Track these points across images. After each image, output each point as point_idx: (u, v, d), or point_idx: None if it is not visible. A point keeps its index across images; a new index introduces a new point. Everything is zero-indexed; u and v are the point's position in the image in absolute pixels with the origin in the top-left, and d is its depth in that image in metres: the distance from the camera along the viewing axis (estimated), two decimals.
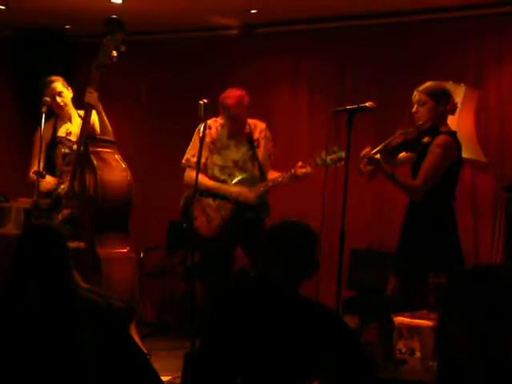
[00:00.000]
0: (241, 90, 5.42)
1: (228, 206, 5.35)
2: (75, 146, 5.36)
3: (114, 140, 5.44)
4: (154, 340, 6.36)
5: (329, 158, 4.95)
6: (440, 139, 4.31)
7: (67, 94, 5.55)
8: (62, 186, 5.40)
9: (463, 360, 1.82)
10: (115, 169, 5.38)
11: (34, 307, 2.96)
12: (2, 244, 5.96)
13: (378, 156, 4.27)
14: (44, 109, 5.33)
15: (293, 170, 5.16)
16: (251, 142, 5.41)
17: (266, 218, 5.35)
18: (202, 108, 4.85)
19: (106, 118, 5.40)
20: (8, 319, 2.97)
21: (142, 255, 6.89)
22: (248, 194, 5.31)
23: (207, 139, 5.36)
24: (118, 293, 4.98)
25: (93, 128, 5.45)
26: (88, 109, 5.31)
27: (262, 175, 5.39)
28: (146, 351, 3.39)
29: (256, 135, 5.43)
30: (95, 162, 5.27)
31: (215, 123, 5.45)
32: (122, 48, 5.28)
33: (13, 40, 7.50)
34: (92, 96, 5.30)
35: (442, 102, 4.37)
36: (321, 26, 7.01)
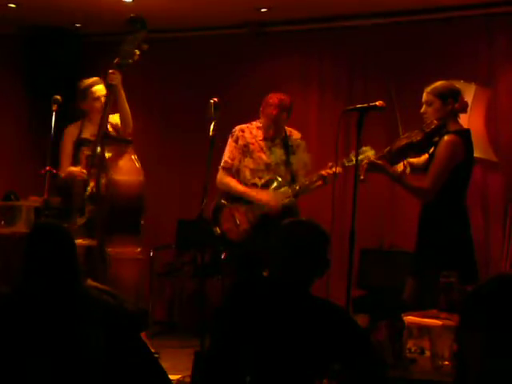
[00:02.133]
0: (284, 94, 5.43)
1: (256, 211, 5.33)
2: (99, 149, 5.23)
3: (130, 134, 5.37)
4: (163, 338, 6.37)
5: (360, 157, 4.90)
6: (446, 139, 4.29)
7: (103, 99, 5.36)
8: (88, 188, 5.36)
9: (476, 368, 1.82)
10: (127, 169, 5.37)
11: (42, 305, 2.97)
12: (12, 242, 5.98)
13: (380, 161, 4.25)
14: (54, 107, 5.29)
15: (320, 172, 5.16)
16: (287, 147, 5.38)
17: None
18: (213, 107, 4.85)
19: (127, 105, 5.28)
20: (17, 317, 2.97)
21: (151, 254, 6.89)
22: (274, 202, 5.25)
23: (241, 142, 5.39)
24: (121, 292, 5.06)
25: (115, 128, 5.41)
26: (111, 91, 5.17)
27: (293, 181, 5.32)
28: (154, 350, 3.38)
29: (291, 142, 5.41)
30: (108, 161, 5.27)
31: (250, 126, 5.43)
32: (144, 47, 5.21)
33: (23, 38, 7.51)
34: (115, 77, 5.15)
35: (450, 101, 4.35)
36: (331, 25, 7.01)
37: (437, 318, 3.39)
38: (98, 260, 5.18)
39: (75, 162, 5.35)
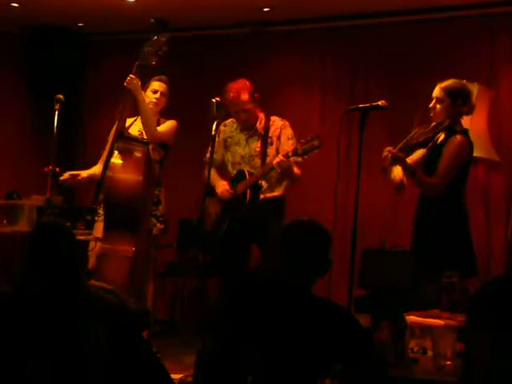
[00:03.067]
0: (243, 81, 5.40)
1: (217, 201, 5.39)
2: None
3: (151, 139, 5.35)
4: (165, 338, 6.37)
5: (302, 147, 4.97)
6: (456, 138, 4.35)
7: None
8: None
9: (482, 367, 1.83)
10: (131, 168, 5.36)
11: (44, 304, 2.97)
12: (15, 241, 5.98)
13: (401, 154, 4.27)
14: (57, 106, 5.27)
15: (272, 162, 5.15)
16: (264, 138, 5.35)
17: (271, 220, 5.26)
18: (215, 106, 4.86)
19: (147, 113, 5.28)
20: (19, 316, 2.98)
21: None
22: (225, 190, 5.32)
23: (221, 136, 5.46)
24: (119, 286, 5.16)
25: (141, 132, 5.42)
26: (127, 95, 5.19)
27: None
28: (155, 349, 3.38)
29: (271, 132, 5.37)
30: (112, 161, 5.29)
31: (232, 121, 5.46)
32: (165, 48, 5.19)
33: (26, 37, 7.52)
34: (132, 81, 5.15)
35: (459, 103, 4.40)
36: (333, 25, 7.01)
37: (439, 317, 3.40)
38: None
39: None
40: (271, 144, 5.35)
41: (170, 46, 7.38)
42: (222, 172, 5.54)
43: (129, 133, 5.39)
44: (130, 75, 5.16)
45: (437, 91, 4.44)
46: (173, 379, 3.40)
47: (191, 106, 7.21)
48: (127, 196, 5.29)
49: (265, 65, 7.24)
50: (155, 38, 5.19)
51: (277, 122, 5.40)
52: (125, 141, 5.31)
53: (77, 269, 3.08)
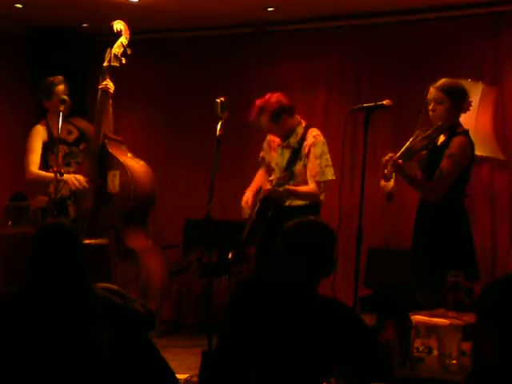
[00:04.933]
0: (266, 100, 5.25)
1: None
2: (74, 147, 5.50)
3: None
4: (171, 338, 6.38)
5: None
6: (458, 140, 4.29)
7: None
8: (67, 188, 5.45)
9: (490, 364, 1.84)
10: (139, 165, 5.56)
11: (49, 305, 2.98)
12: (20, 242, 5.99)
13: (401, 162, 4.19)
14: (61, 108, 5.33)
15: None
16: (295, 152, 5.23)
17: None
18: (219, 106, 4.85)
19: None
20: (26, 316, 2.98)
21: None
22: (243, 205, 5.32)
23: (267, 138, 5.42)
24: (156, 282, 5.42)
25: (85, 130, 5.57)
26: (106, 99, 5.41)
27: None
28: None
29: (303, 147, 5.22)
30: (121, 160, 5.44)
31: None
32: (129, 51, 5.50)
33: (30, 38, 7.53)
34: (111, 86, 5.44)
35: (459, 102, 4.35)
36: (337, 24, 7.00)
37: (444, 317, 3.39)
38: (113, 257, 5.41)
39: (48, 161, 5.47)
40: (300, 159, 5.22)
41: (175, 46, 7.42)
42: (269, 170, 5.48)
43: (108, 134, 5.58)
44: (106, 81, 5.44)
45: (433, 92, 4.34)
46: (178, 379, 3.40)
47: (198, 106, 7.21)
48: (149, 192, 5.59)
49: (269, 65, 7.24)
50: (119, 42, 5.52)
51: (309, 137, 5.23)
52: (115, 142, 5.56)
53: (81, 270, 3.09)
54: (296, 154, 5.23)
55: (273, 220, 5.17)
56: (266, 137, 5.45)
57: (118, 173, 5.40)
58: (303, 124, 5.29)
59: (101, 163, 5.46)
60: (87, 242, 5.26)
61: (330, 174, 5.20)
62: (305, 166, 5.20)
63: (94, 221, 5.42)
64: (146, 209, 5.60)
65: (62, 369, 2.93)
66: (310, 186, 5.16)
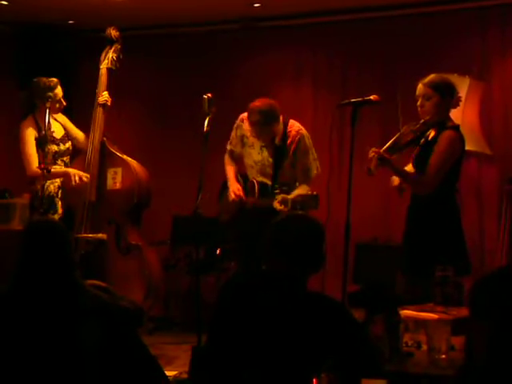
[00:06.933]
0: (266, 103, 5.12)
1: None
2: (62, 145, 5.51)
3: None
4: (160, 335, 6.36)
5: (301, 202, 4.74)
6: (447, 134, 4.28)
7: None
8: (54, 184, 5.45)
9: (482, 356, 1.84)
10: (137, 164, 5.67)
11: (37, 302, 2.97)
12: (8, 240, 5.97)
13: (387, 155, 4.21)
14: (48, 104, 5.31)
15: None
16: (278, 151, 5.16)
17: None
18: (207, 102, 4.84)
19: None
20: (13, 315, 2.97)
21: None
22: (237, 196, 5.20)
23: (239, 132, 5.33)
24: (155, 278, 5.53)
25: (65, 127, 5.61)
26: (105, 112, 5.64)
27: (289, 187, 5.05)
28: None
29: (287, 144, 5.15)
30: (125, 158, 5.59)
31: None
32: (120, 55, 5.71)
33: (16, 36, 7.49)
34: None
35: (448, 97, 4.35)
36: (324, 20, 7.00)
37: (433, 311, 3.40)
38: (112, 253, 5.48)
39: (38, 158, 5.42)
40: (286, 157, 5.16)
41: (163, 42, 7.40)
42: (239, 163, 5.43)
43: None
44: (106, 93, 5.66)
45: (421, 89, 4.33)
46: (167, 376, 3.40)
47: (184, 102, 7.20)
48: (148, 190, 5.72)
49: (257, 60, 7.24)
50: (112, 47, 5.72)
51: (293, 132, 5.16)
52: (110, 142, 5.68)
53: (70, 267, 3.08)
54: (281, 152, 5.16)
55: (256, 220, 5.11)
56: (233, 130, 5.38)
57: (119, 170, 5.52)
58: (281, 120, 5.18)
59: (100, 161, 5.57)
60: (86, 236, 5.33)
61: (316, 168, 5.20)
62: (292, 164, 5.16)
63: (93, 216, 5.48)
64: (144, 207, 5.71)
65: (50, 366, 2.92)
66: (305, 187, 5.09)
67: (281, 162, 5.18)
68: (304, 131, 5.21)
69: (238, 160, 5.41)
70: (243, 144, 5.34)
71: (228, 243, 5.80)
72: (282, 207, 4.77)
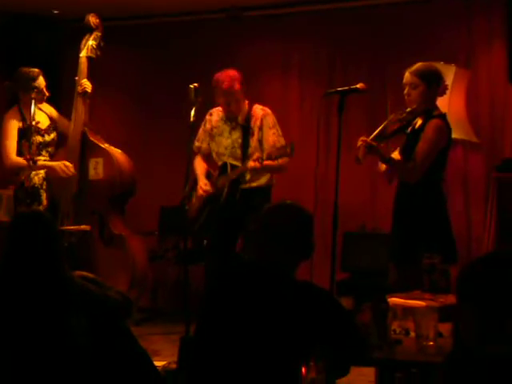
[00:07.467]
0: (233, 71, 5.36)
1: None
2: (47, 136, 5.48)
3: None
4: (148, 325, 6.36)
5: (275, 154, 4.89)
6: (434, 123, 4.30)
7: None
8: (39, 176, 5.43)
9: (471, 342, 1.85)
10: (119, 153, 5.67)
11: (25, 294, 2.96)
12: None
13: (375, 143, 4.22)
14: (33, 95, 5.29)
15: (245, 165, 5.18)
16: (246, 130, 5.33)
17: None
18: (193, 92, 4.84)
19: None
20: (0, 306, 2.96)
21: None
22: (206, 191, 5.33)
23: (208, 126, 5.48)
24: (140, 268, 5.57)
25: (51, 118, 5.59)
26: (86, 99, 5.58)
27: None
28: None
29: (252, 123, 5.34)
30: (106, 148, 5.58)
31: (219, 109, 5.45)
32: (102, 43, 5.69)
33: (0, 26, 7.43)
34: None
35: (434, 86, 4.36)
36: (309, 9, 6.99)
37: (421, 299, 3.41)
38: (97, 244, 5.51)
39: (21, 149, 5.41)
40: (252, 135, 5.33)
41: (148, 32, 7.37)
42: (208, 160, 5.55)
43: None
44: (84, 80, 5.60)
45: (408, 77, 4.34)
46: (156, 366, 3.40)
47: (171, 92, 7.18)
48: (132, 179, 5.73)
49: (243, 50, 7.22)
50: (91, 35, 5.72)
51: (257, 111, 5.37)
52: (92, 132, 5.69)
53: (58, 258, 3.07)
54: (247, 131, 5.33)
55: (234, 203, 5.25)
56: (201, 126, 5.49)
57: (101, 160, 5.50)
58: (246, 102, 5.40)
59: (81, 151, 5.54)
60: (69, 228, 5.31)
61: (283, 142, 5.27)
62: (259, 140, 5.31)
63: (76, 207, 5.46)
64: (128, 196, 5.70)
65: (39, 358, 2.91)
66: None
67: (248, 141, 5.32)
68: (268, 110, 5.42)
69: (206, 157, 5.54)
70: (212, 136, 5.47)
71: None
72: (256, 163, 4.97)
